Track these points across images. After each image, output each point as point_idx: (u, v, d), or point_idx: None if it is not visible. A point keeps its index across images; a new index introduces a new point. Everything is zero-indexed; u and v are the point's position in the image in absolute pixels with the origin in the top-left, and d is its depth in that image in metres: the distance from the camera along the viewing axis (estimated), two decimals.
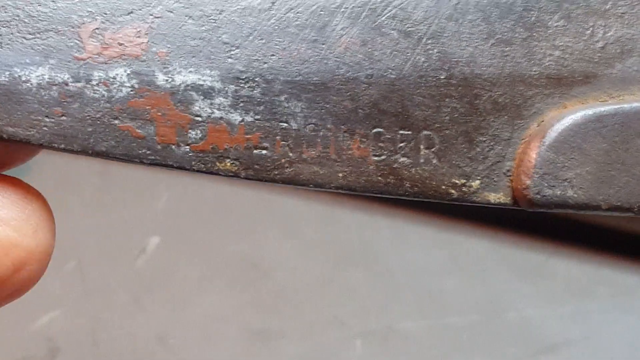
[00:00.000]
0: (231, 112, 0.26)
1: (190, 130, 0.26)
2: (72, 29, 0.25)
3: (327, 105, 0.26)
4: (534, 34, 0.27)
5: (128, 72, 0.26)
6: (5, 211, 0.26)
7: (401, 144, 0.27)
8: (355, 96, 0.26)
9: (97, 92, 0.25)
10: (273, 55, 0.26)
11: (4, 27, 0.25)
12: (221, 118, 0.26)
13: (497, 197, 0.27)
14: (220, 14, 0.26)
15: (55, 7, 0.25)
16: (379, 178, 0.27)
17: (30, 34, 0.25)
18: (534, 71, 0.27)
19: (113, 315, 0.74)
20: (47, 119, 0.25)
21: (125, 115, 0.26)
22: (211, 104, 0.26)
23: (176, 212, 0.82)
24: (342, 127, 0.27)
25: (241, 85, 0.26)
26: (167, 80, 0.26)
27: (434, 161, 0.27)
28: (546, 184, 0.26)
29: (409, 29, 0.27)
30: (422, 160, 0.27)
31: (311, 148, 0.27)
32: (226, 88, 0.26)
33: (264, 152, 0.26)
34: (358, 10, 0.26)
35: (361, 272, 0.78)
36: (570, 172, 0.26)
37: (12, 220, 0.26)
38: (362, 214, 0.82)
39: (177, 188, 0.82)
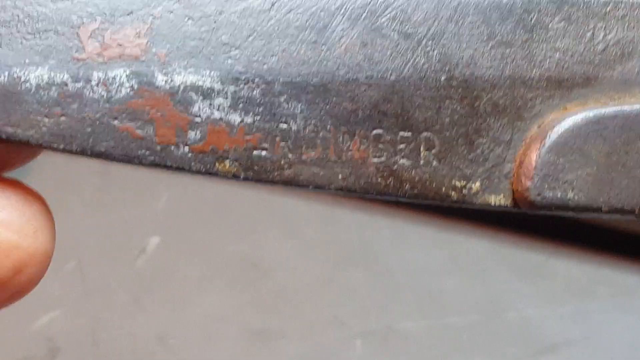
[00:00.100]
0: (231, 113, 0.26)
1: (189, 131, 0.26)
2: (72, 30, 0.25)
3: (327, 107, 0.26)
4: (534, 36, 0.27)
5: (127, 72, 0.26)
6: (5, 213, 0.26)
7: (401, 146, 0.27)
8: (355, 97, 0.26)
9: (97, 92, 0.25)
10: (273, 56, 0.26)
11: (3, 27, 0.25)
12: (221, 119, 0.26)
13: (498, 199, 0.27)
14: (220, 14, 0.26)
15: (55, 8, 0.25)
16: (379, 180, 0.27)
17: (29, 34, 0.25)
18: (534, 73, 0.27)
19: (113, 315, 0.74)
20: (47, 119, 0.25)
21: (125, 115, 0.26)
22: (211, 104, 0.26)
23: (176, 212, 0.82)
24: (342, 128, 0.27)
25: (241, 86, 0.26)
26: (166, 80, 0.26)
27: (434, 163, 0.27)
28: (547, 186, 0.26)
29: (409, 30, 0.27)
30: (422, 162, 0.27)
31: (311, 149, 0.27)
32: (226, 89, 0.26)
33: (263, 153, 0.26)
34: (358, 11, 0.26)
35: (361, 272, 0.78)
36: (571, 174, 0.26)
37: (12, 222, 0.26)
38: (362, 214, 0.82)
39: (177, 188, 0.82)
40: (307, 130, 0.26)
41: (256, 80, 0.26)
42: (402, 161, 0.27)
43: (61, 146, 0.26)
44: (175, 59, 0.26)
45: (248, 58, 0.26)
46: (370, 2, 0.27)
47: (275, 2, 0.26)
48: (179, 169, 0.26)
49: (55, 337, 0.72)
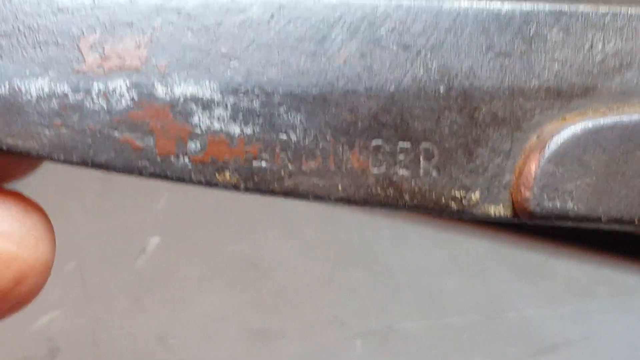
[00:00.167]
0: (230, 124, 0.26)
1: (189, 142, 0.26)
2: (72, 41, 0.26)
3: (327, 117, 0.26)
4: (533, 47, 0.27)
5: (127, 83, 0.26)
6: (6, 224, 0.26)
7: (401, 156, 0.27)
8: (355, 108, 0.26)
9: (97, 103, 0.26)
10: (272, 67, 0.26)
11: (4, 38, 0.25)
12: (220, 130, 0.26)
13: (497, 209, 0.27)
14: (219, 26, 0.26)
15: (55, 20, 0.25)
16: (379, 190, 0.27)
17: (30, 45, 0.25)
18: (533, 84, 0.27)
19: (113, 316, 0.74)
20: (47, 130, 0.25)
21: (125, 126, 0.26)
22: (210, 115, 0.26)
23: (176, 212, 0.82)
24: (342, 139, 0.27)
25: (240, 97, 0.26)
26: (166, 92, 0.26)
27: (434, 173, 0.27)
28: (546, 196, 0.26)
29: (408, 41, 0.27)
30: (421, 173, 0.27)
31: (310, 160, 0.27)
32: (225, 100, 0.26)
33: (263, 163, 0.26)
34: (357, 23, 0.26)
35: (361, 272, 0.78)
36: (570, 184, 0.27)
37: (12, 233, 0.26)
38: (362, 214, 0.82)
39: (177, 188, 0.82)
40: (306, 141, 0.26)
41: (256, 91, 0.26)
42: (402, 172, 0.27)
43: (62, 157, 0.26)
44: (175, 70, 0.26)
45: (248, 69, 0.26)
46: (369, 14, 0.27)
47: (275, 14, 0.26)
48: (179, 179, 0.26)
49: (55, 337, 0.72)
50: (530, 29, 0.27)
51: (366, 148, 0.27)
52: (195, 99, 0.26)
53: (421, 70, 0.27)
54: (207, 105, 0.26)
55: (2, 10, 0.25)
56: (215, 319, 0.74)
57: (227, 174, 0.26)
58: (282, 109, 0.26)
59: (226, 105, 0.26)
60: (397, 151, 0.27)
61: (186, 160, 0.26)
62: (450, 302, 0.76)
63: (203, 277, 0.77)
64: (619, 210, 0.27)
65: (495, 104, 0.27)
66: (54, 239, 0.27)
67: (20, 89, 0.25)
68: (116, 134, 0.26)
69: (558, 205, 0.27)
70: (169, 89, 0.26)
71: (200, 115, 0.26)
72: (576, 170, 0.26)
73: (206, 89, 0.26)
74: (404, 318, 0.75)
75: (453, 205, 0.27)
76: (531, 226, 0.78)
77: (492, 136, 0.27)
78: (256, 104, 0.26)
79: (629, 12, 0.27)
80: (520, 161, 0.27)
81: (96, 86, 0.26)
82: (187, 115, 0.26)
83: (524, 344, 0.73)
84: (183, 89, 0.26)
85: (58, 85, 0.25)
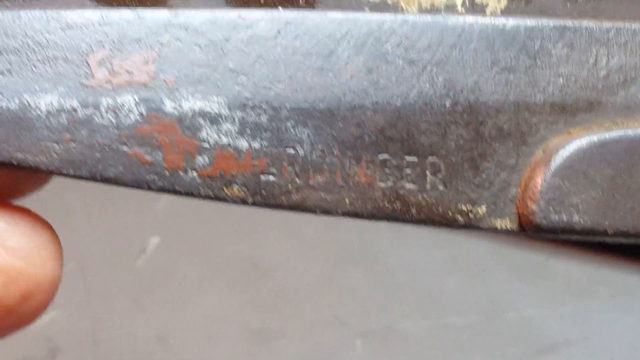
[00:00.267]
0: (238, 139, 0.26)
1: (197, 156, 0.26)
2: (81, 57, 0.26)
3: (334, 132, 0.27)
4: (538, 62, 0.27)
5: (136, 99, 0.26)
6: (14, 241, 0.26)
7: (407, 170, 0.27)
8: (361, 123, 0.27)
9: (106, 118, 0.26)
10: (279, 82, 0.26)
11: (13, 54, 0.25)
12: (228, 144, 0.26)
13: (504, 223, 0.27)
14: (226, 42, 0.26)
15: (64, 36, 0.26)
16: (386, 204, 0.27)
17: (39, 61, 0.25)
18: (538, 98, 0.27)
19: (113, 315, 0.74)
20: (56, 145, 0.25)
21: (134, 141, 0.26)
22: (218, 130, 0.26)
23: (176, 212, 0.82)
24: (349, 153, 0.27)
25: (248, 111, 0.26)
26: (174, 107, 0.26)
27: (440, 187, 0.27)
28: (552, 209, 0.27)
29: (414, 57, 0.27)
30: (428, 187, 0.27)
31: (318, 174, 0.27)
32: (233, 115, 0.26)
33: (271, 178, 0.27)
34: (363, 38, 0.27)
35: (361, 272, 0.78)
36: (575, 197, 0.27)
37: (20, 249, 0.26)
38: None
39: None
40: (314, 155, 0.27)
41: (263, 106, 0.26)
42: (409, 185, 0.27)
43: (71, 172, 0.26)
44: (183, 86, 0.26)
45: (255, 84, 0.26)
46: (375, 29, 0.27)
47: (282, 30, 0.26)
48: (188, 194, 0.27)
49: (55, 337, 0.72)
50: (534, 44, 0.27)
51: (373, 162, 0.27)
52: (203, 114, 0.26)
53: (427, 85, 0.27)
54: (215, 120, 0.26)
55: (12, 27, 0.25)
56: (215, 319, 0.74)
57: (235, 188, 0.26)
58: (289, 124, 0.26)
59: (234, 120, 0.26)
60: (403, 165, 0.27)
61: (194, 174, 0.26)
62: (450, 302, 0.76)
63: (203, 277, 0.77)
64: (625, 224, 0.27)
65: (500, 118, 0.27)
66: (62, 256, 0.27)
67: (29, 104, 0.25)
68: (125, 148, 0.26)
69: (564, 218, 0.27)
70: (177, 104, 0.26)
71: (209, 130, 0.26)
72: (582, 183, 0.27)
73: (214, 104, 0.26)
74: (404, 318, 0.75)
75: (460, 219, 0.27)
76: None
77: (498, 150, 0.27)
78: (264, 119, 0.26)
79: (633, 28, 0.27)
80: (526, 175, 0.27)
81: (105, 101, 0.26)
82: (195, 130, 0.26)
83: (524, 344, 0.73)
84: (191, 103, 0.26)
85: (67, 100, 0.25)
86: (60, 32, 0.26)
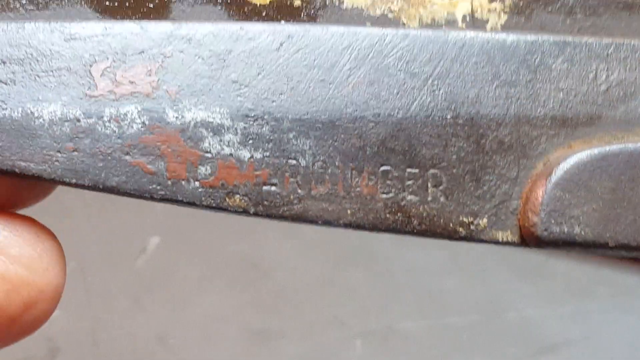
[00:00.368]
0: (240, 149, 0.26)
1: (200, 166, 0.26)
2: (84, 67, 0.26)
3: (335, 143, 0.27)
4: (538, 76, 0.27)
5: (139, 109, 0.26)
6: (18, 249, 0.26)
7: (409, 182, 0.27)
8: (363, 134, 0.27)
9: (109, 128, 0.26)
10: (281, 94, 0.26)
11: (17, 64, 0.25)
12: (230, 154, 0.26)
13: (505, 235, 0.27)
14: (229, 53, 0.26)
15: (68, 46, 0.26)
16: (387, 215, 0.27)
17: (43, 71, 0.26)
18: (539, 112, 0.27)
19: (113, 315, 0.74)
20: (59, 154, 0.26)
21: (136, 151, 0.26)
22: (220, 140, 0.26)
23: (176, 212, 0.81)
24: (350, 164, 0.27)
25: (250, 122, 0.26)
26: (177, 117, 0.26)
27: (442, 199, 0.27)
28: (553, 222, 0.27)
29: (415, 70, 0.27)
30: (429, 199, 0.27)
31: (320, 185, 0.27)
32: (235, 125, 0.26)
33: (273, 188, 0.27)
34: (365, 51, 0.27)
35: (361, 272, 0.78)
36: (577, 209, 0.27)
37: (24, 258, 0.26)
38: None
39: None
40: (315, 166, 0.27)
41: (265, 117, 0.26)
42: (410, 197, 0.27)
43: (73, 181, 0.26)
44: (186, 96, 0.26)
45: (257, 95, 0.26)
46: (377, 42, 0.27)
47: (284, 42, 0.26)
48: (190, 203, 0.27)
49: (55, 337, 0.72)
50: (535, 59, 0.27)
51: (375, 174, 0.27)
52: (206, 124, 0.26)
53: (428, 98, 0.27)
54: (217, 130, 0.26)
55: (16, 37, 0.26)
56: (215, 319, 0.74)
57: (237, 199, 0.27)
58: (291, 135, 0.26)
59: (236, 131, 0.26)
60: (405, 177, 0.27)
61: (196, 184, 0.26)
62: (450, 302, 0.76)
63: (203, 277, 0.77)
64: (626, 236, 0.27)
65: (501, 131, 0.27)
66: (65, 265, 0.27)
67: (33, 113, 0.25)
68: (128, 158, 0.26)
69: (565, 230, 0.27)
70: (179, 114, 0.26)
71: (211, 140, 0.26)
72: (583, 196, 0.27)
73: (216, 115, 0.26)
74: (404, 318, 0.75)
75: (461, 230, 0.27)
76: None
77: (499, 163, 0.27)
78: (266, 130, 0.26)
79: (632, 43, 0.28)
80: (527, 187, 0.27)
81: (108, 111, 0.26)
82: (198, 140, 0.26)
83: (524, 344, 0.73)
84: (193, 114, 0.26)
85: (70, 110, 0.26)
86: (63, 43, 0.26)
